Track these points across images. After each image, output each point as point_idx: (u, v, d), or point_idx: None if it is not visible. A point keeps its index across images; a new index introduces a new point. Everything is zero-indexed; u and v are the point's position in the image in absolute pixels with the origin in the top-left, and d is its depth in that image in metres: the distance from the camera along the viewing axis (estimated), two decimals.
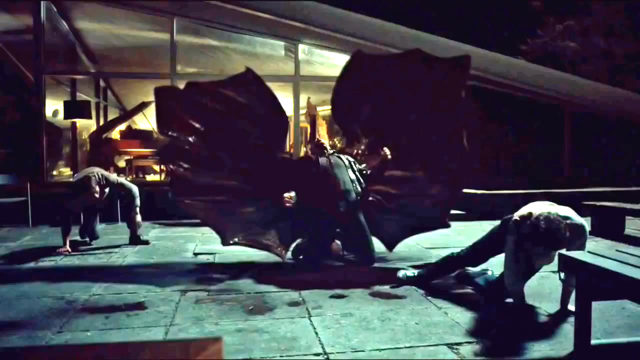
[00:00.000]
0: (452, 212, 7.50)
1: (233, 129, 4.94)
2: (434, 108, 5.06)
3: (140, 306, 3.63)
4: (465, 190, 7.61)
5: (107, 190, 5.60)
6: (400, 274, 4.24)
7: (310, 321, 3.29)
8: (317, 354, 2.77)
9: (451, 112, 5.01)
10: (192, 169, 4.89)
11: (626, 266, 2.57)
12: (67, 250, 5.36)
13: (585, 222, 3.34)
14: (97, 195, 5.40)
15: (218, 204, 4.97)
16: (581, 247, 3.24)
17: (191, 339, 1.78)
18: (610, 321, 3.27)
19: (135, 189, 5.88)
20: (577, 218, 3.31)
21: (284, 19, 8.76)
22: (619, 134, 11.06)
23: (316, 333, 3.08)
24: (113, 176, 5.81)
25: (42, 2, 8.34)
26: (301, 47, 9.33)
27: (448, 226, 5.17)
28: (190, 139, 4.87)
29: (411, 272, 4.25)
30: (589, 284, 2.69)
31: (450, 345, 2.88)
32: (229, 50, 10.18)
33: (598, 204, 6.51)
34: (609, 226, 6.31)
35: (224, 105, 4.90)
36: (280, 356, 2.75)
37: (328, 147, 5.33)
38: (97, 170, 5.62)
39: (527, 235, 3.26)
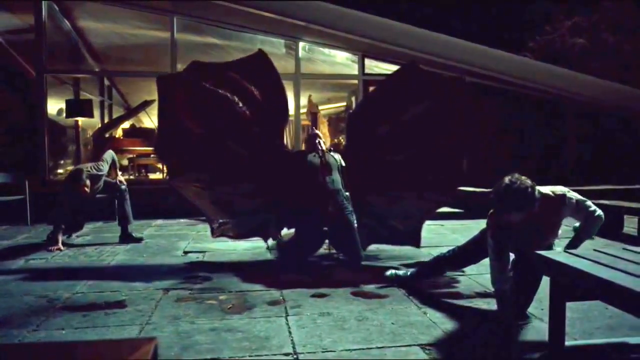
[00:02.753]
0: (451, 210, 7.47)
1: (235, 114, 4.84)
2: (446, 132, 5.02)
3: (120, 304, 3.62)
4: (463, 189, 7.58)
5: (101, 182, 5.69)
6: (388, 273, 4.17)
7: (287, 320, 3.26)
8: (287, 354, 2.75)
9: (462, 139, 5.05)
10: (189, 154, 4.85)
11: (598, 266, 2.51)
12: (59, 248, 5.38)
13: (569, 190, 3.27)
14: (87, 189, 5.44)
15: (212, 191, 4.94)
16: (579, 211, 3.25)
17: (125, 339, 1.77)
18: (592, 322, 3.22)
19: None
20: (559, 189, 3.24)
21: (285, 17, 8.75)
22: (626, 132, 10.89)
23: (290, 332, 3.05)
24: (105, 165, 5.88)
25: (43, 2, 8.40)
26: (301, 45, 9.33)
27: (418, 247, 5.11)
28: (190, 124, 4.82)
29: (402, 272, 4.17)
30: (562, 284, 2.64)
31: (423, 346, 2.84)
32: (231, 48, 10.18)
33: (595, 202, 6.38)
34: (608, 225, 6.17)
35: (229, 88, 4.82)
36: (250, 356, 2.72)
37: (322, 142, 5.14)
38: (90, 165, 5.69)
39: (494, 199, 3.16)
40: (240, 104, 4.87)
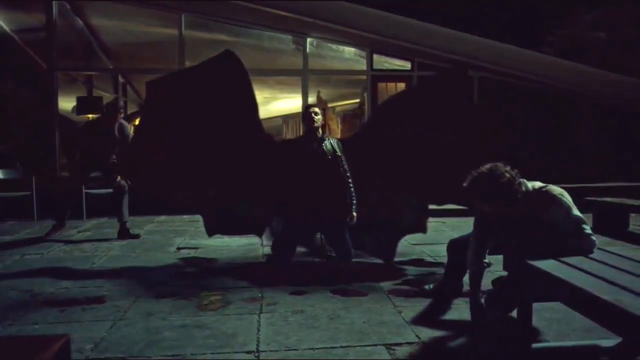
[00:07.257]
0: (453, 206, 7.32)
1: (208, 118, 4.63)
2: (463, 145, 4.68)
3: (99, 300, 3.65)
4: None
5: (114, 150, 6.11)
6: (426, 287, 3.85)
7: (259, 318, 3.24)
8: (249, 352, 2.72)
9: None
10: (175, 174, 4.79)
11: (563, 266, 2.44)
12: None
13: (564, 192, 2.92)
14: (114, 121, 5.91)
15: (204, 194, 4.89)
16: (569, 220, 2.83)
17: (36, 336, 1.77)
18: (570, 323, 3.11)
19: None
20: (553, 188, 2.95)
21: (294, 14, 8.74)
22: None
23: (258, 330, 3.03)
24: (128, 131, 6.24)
25: (53, 1, 8.56)
26: (309, 41, 9.31)
27: (389, 261, 4.79)
28: (164, 152, 4.64)
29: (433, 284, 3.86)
30: (527, 284, 2.57)
31: (388, 346, 2.78)
32: (239, 44, 10.20)
33: (600, 199, 6.21)
34: (612, 223, 6.02)
35: (195, 94, 4.64)
36: (212, 353, 2.71)
37: (318, 122, 4.65)
38: None
39: (465, 186, 2.91)
40: (211, 107, 4.64)
